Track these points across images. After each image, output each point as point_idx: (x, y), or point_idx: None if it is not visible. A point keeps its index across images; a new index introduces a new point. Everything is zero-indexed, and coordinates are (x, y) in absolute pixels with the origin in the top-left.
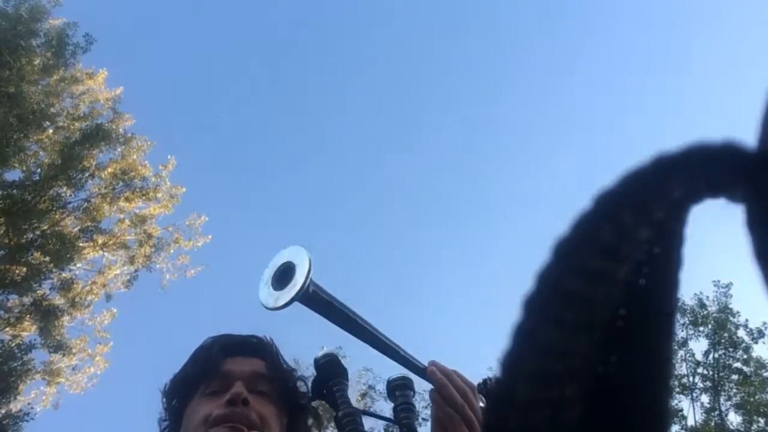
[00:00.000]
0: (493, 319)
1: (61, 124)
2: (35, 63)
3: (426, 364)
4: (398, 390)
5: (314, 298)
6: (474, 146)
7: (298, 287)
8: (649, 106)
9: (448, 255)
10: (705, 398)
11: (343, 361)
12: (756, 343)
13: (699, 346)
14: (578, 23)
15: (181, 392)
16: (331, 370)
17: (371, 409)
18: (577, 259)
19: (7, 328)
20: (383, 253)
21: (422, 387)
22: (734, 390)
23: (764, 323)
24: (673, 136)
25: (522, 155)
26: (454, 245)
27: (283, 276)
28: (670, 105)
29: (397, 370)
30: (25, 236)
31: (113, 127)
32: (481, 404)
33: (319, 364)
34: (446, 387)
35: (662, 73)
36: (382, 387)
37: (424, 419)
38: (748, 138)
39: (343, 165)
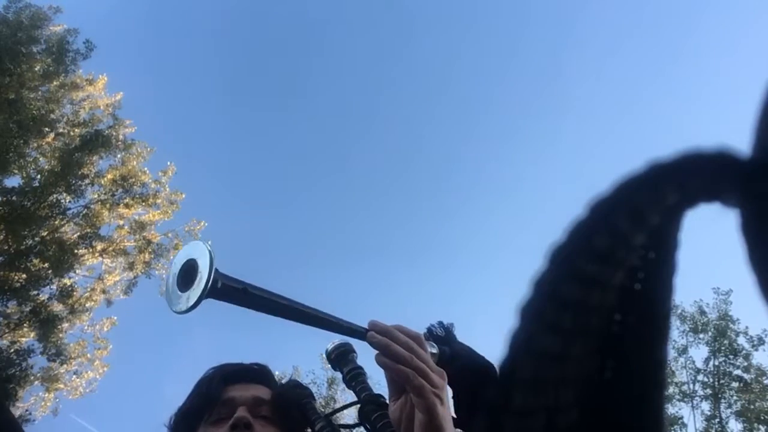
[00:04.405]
0: (492, 320)
1: (61, 130)
2: (35, 69)
3: (367, 326)
4: (340, 359)
5: (226, 290)
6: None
7: (203, 281)
8: (656, 107)
9: (447, 255)
10: (705, 406)
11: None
12: (756, 350)
13: (699, 353)
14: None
15: (186, 424)
16: (344, 361)
17: None
18: (572, 265)
19: (6, 335)
20: (382, 252)
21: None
22: (735, 397)
23: (764, 330)
24: (668, 143)
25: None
26: (452, 246)
27: (187, 276)
28: (670, 107)
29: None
30: (24, 243)
31: (113, 133)
32: (432, 350)
33: (331, 358)
34: (388, 346)
35: (662, 75)
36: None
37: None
38: (743, 145)
39: (343, 164)
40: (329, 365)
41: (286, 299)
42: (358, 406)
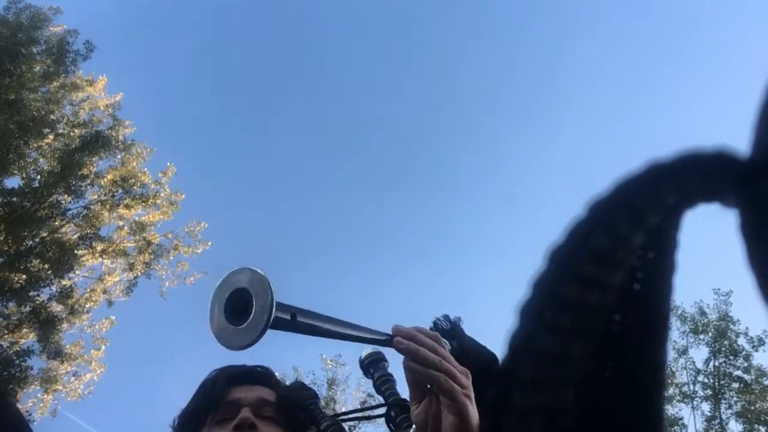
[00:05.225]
0: (491, 323)
1: (61, 131)
2: (35, 70)
3: (390, 332)
4: (372, 366)
5: (277, 321)
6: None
7: (266, 314)
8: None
9: (445, 256)
10: (706, 406)
11: (342, 370)
12: (756, 351)
13: (699, 354)
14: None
15: (190, 425)
16: (375, 368)
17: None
18: (571, 266)
19: (6, 335)
20: (384, 250)
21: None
22: (735, 398)
23: (764, 331)
24: (668, 143)
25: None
26: (451, 247)
27: (238, 306)
28: (670, 107)
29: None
30: (24, 243)
31: (113, 134)
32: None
33: (364, 364)
34: (417, 351)
35: (662, 75)
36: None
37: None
38: (742, 145)
39: (344, 165)
40: (361, 371)
41: (325, 319)
42: (385, 409)
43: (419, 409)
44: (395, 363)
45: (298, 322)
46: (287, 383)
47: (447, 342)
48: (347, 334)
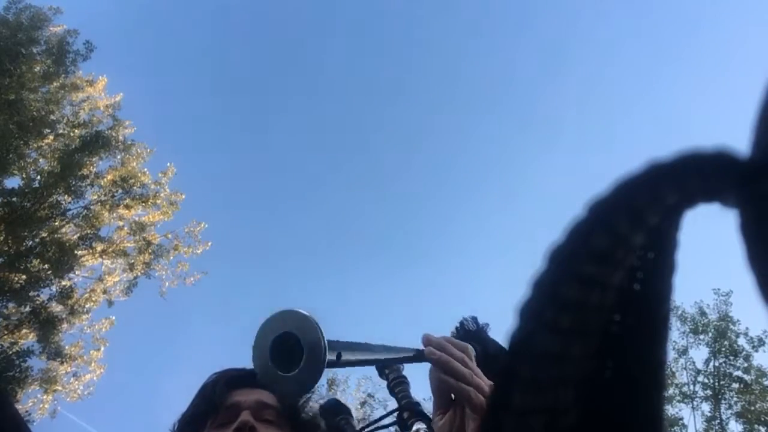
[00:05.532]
0: (491, 323)
1: (60, 131)
2: (35, 70)
3: (420, 342)
4: (387, 367)
5: (329, 362)
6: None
7: (318, 363)
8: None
9: (444, 256)
10: (706, 407)
11: (342, 370)
12: (756, 351)
13: (699, 354)
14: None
15: (189, 429)
16: (391, 369)
17: (369, 417)
18: (571, 266)
19: (6, 336)
20: (384, 251)
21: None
22: (735, 398)
23: (765, 331)
24: (668, 143)
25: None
26: (451, 248)
27: (284, 350)
28: (670, 107)
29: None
30: (24, 244)
31: (113, 134)
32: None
33: (380, 366)
34: (449, 363)
35: (662, 75)
36: (381, 395)
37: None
38: (742, 145)
39: (344, 165)
40: (377, 371)
41: (363, 348)
42: (397, 412)
43: (443, 420)
44: (411, 369)
45: (342, 360)
46: (322, 401)
47: (470, 347)
48: (383, 359)
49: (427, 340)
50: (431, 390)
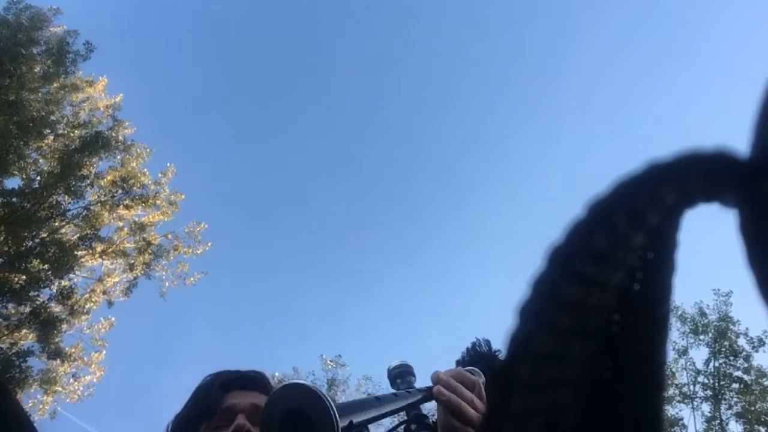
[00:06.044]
0: (491, 323)
1: (60, 131)
2: (35, 71)
3: (429, 379)
4: (399, 378)
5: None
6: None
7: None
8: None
9: (444, 258)
10: (706, 407)
11: (342, 370)
12: (756, 351)
13: (699, 354)
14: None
15: (184, 431)
16: (402, 379)
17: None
18: (571, 266)
19: (6, 336)
20: (385, 253)
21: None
22: (735, 399)
23: (765, 332)
24: (667, 143)
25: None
26: (451, 249)
27: (293, 419)
28: (670, 107)
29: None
30: (24, 244)
31: (113, 134)
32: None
33: (392, 374)
34: (459, 407)
35: (662, 75)
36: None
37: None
38: (742, 145)
39: (344, 167)
40: (388, 381)
41: (371, 405)
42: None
43: None
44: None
45: (353, 426)
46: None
47: (479, 372)
48: (393, 411)
49: (437, 379)
50: (437, 425)
